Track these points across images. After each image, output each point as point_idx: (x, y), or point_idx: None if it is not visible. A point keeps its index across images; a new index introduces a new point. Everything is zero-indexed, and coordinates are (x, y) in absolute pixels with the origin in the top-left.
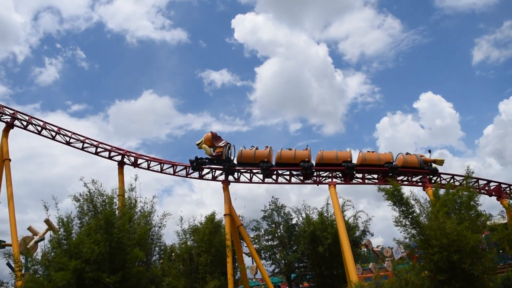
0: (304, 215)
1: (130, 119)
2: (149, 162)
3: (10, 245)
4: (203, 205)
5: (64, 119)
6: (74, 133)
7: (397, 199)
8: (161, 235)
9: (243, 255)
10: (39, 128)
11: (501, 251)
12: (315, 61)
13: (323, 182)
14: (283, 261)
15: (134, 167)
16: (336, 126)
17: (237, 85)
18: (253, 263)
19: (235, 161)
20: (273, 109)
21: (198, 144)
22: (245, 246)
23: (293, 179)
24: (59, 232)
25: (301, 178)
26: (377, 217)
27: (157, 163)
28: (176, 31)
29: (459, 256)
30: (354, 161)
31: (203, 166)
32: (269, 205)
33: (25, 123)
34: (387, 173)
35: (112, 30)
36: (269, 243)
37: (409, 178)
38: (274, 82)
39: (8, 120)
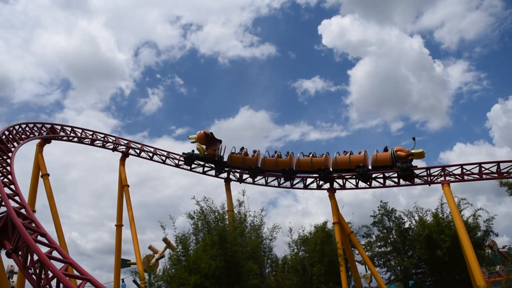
0: (417, 218)
1: (230, 136)
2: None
3: (134, 264)
4: (309, 215)
5: (170, 143)
6: (181, 155)
7: None
8: (272, 247)
9: (356, 263)
10: (151, 154)
11: None
12: (411, 55)
13: (435, 181)
14: (398, 268)
15: (240, 183)
16: (442, 120)
17: (331, 91)
18: (367, 271)
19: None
20: (371, 110)
21: (191, 139)
22: (357, 254)
23: (402, 181)
24: (177, 249)
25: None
26: (500, 215)
27: (261, 176)
28: (264, 46)
29: None
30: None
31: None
32: (378, 210)
33: (138, 151)
34: (359, 178)
35: (204, 54)
36: (382, 249)
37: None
38: (369, 82)
39: (124, 149)
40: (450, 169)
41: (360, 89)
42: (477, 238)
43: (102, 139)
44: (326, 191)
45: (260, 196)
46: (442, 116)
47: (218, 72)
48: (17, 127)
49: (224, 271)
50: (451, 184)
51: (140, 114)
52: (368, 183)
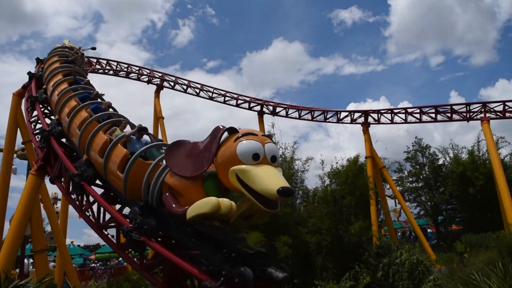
0: (451, 155)
1: (262, 69)
2: (287, 110)
3: None
4: (340, 150)
5: (202, 76)
6: (215, 88)
7: None
8: (303, 179)
9: (386, 197)
10: (185, 87)
11: None
12: None
13: (474, 118)
14: (429, 203)
15: (273, 116)
16: (487, 55)
17: (370, 21)
18: (396, 206)
19: None
20: (411, 43)
21: None
22: (388, 189)
23: (439, 117)
24: None
25: (448, 115)
26: None
27: (295, 110)
28: None
29: None
30: None
31: None
32: (412, 146)
33: (172, 84)
34: None
35: None
36: (414, 185)
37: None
38: (412, 13)
39: (158, 82)
40: (491, 105)
41: (401, 20)
42: None
43: (137, 71)
44: (360, 125)
45: (292, 130)
46: (488, 51)
47: (251, 2)
48: None
49: None
50: (491, 121)
51: (171, 46)
52: (403, 119)
